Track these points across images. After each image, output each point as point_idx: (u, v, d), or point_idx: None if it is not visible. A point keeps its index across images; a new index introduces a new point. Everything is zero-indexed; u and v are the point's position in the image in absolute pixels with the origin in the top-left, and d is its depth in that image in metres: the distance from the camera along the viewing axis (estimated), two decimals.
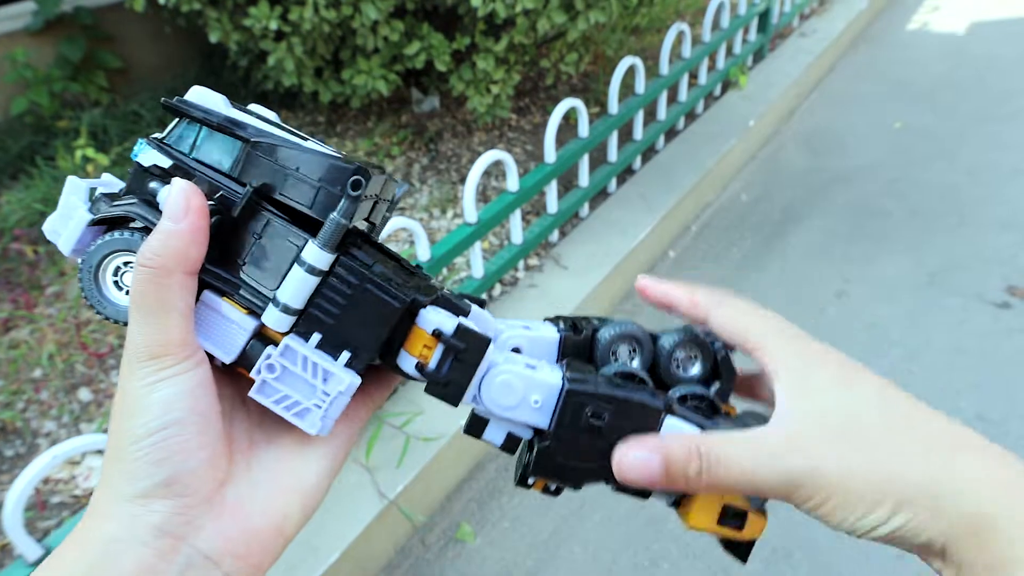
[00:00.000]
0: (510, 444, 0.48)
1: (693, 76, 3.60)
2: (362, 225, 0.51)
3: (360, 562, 1.83)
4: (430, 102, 3.51)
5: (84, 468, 2.01)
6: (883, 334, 2.56)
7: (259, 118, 0.46)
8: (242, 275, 0.44)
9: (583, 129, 2.61)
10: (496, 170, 3.13)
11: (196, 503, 0.40)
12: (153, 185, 0.44)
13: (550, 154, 2.45)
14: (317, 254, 0.42)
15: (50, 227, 0.46)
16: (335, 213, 0.42)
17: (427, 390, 0.45)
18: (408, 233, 2.02)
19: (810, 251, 2.99)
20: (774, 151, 3.72)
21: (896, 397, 0.43)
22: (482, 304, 0.51)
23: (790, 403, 0.43)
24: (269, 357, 0.44)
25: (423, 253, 2.00)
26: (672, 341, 0.51)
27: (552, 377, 0.46)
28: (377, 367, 0.51)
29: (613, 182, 3.03)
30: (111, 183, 0.47)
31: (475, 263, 2.25)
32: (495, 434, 0.48)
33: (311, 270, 0.42)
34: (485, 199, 2.98)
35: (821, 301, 2.72)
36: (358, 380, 0.44)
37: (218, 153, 0.45)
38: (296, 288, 0.42)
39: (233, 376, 0.47)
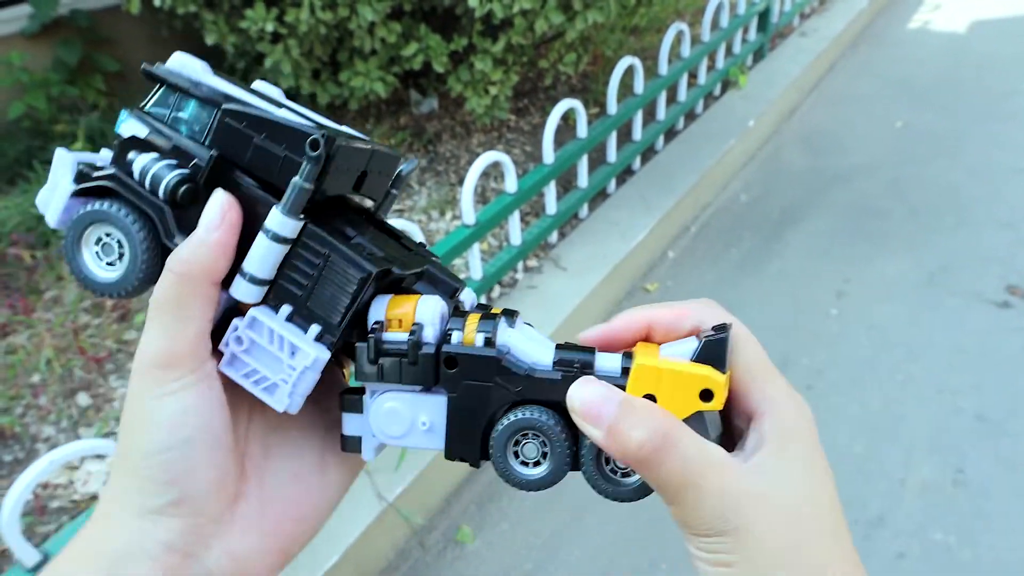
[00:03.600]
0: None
1: (692, 76, 3.59)
2: (366, 203, 0.50)
3: (359, 564, 1.82)
4: (428, 103, 3.50)
5: (83, 473, 2.01)
6: (883, 334, 2.55)
7: (257, 94, 0.45)
8: None
9: (582, 130, 2.60)
10: (495, 171, 3.13)
11: (206, 522, 0.40)
12: (130, 156, 0.43)
13: (549, 155, 2.45)
14: (281, 221, 0.41)
15: (41, 199, 0.45)
16: (297, 177, 0.40)
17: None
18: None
19: (810, 251, 2.98)
20: (774, 151, 3.71)
21: (840, 532, 0.40)
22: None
23: (763, 468, 0.39)
24: (236, 329, 0.42)
25: None
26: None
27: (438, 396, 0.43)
28: None
29: (612, 183, 3.02)
30: (105, 158, 0.45)
31: (474, 265, 2.25)
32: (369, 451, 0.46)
33: (275, 238, 0.41)
34: (484, 200, 2.97)
35: (821, 301, 2.71)
36: (327, 355, 0.42)
37: (193, 121, 0.44)
38: (261, 257, 0.41)
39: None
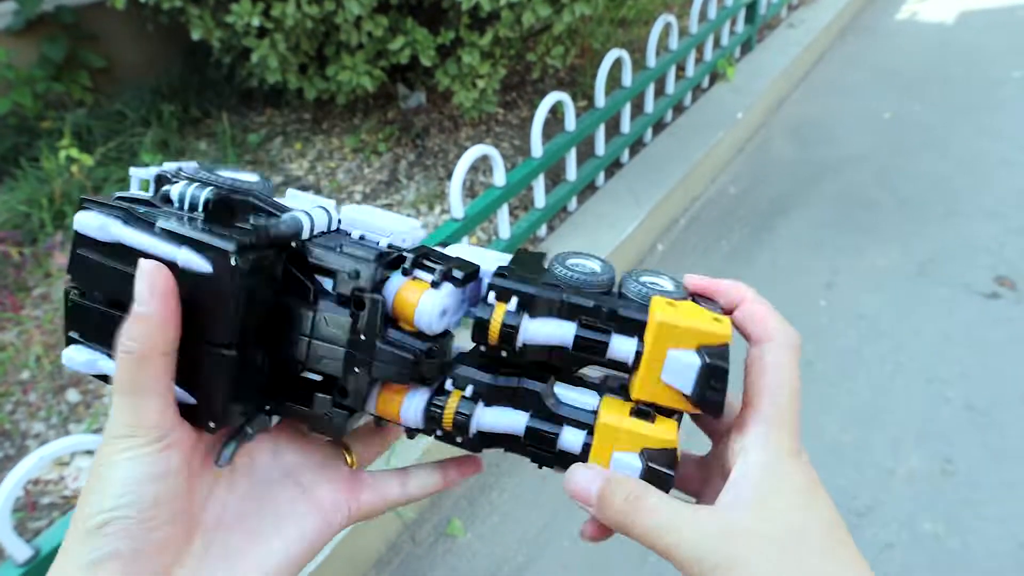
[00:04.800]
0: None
1: (680, 68, 3.59)
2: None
3: (350, 559, 1.82)
4: (416, 98, 3.49)
5: (73, 469, 2.00)
6: (873, 325, 2.56)
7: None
8: None
9: (570, 123, 2.60)
10: (483, 165, 3.13)
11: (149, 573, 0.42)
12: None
13: (537, 148, 2.45)
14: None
15: None
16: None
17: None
18: None
19: (799, 242, 2.99)
20: (762, 143, 3.72)
21: (838, 551, 0.43)
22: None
23: (744, 499, 0.43)
24: None
25: None
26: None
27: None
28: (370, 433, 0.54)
29: (601, 176, 3.02)
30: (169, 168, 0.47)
31: None
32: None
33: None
34: (472, 194, 2.97)
35: (811, 292, 2.72)
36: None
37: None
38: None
39: (213, 442, 0.47)
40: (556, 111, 3.14)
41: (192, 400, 0.44)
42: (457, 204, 2.13)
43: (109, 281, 0.44)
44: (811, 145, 3.68)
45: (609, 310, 0.45)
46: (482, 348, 0.46)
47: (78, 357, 0.46)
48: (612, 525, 0.45)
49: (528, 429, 0.47)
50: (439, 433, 0.48)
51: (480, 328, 0.45)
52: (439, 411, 0.47)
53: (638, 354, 0.44)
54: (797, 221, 3.12)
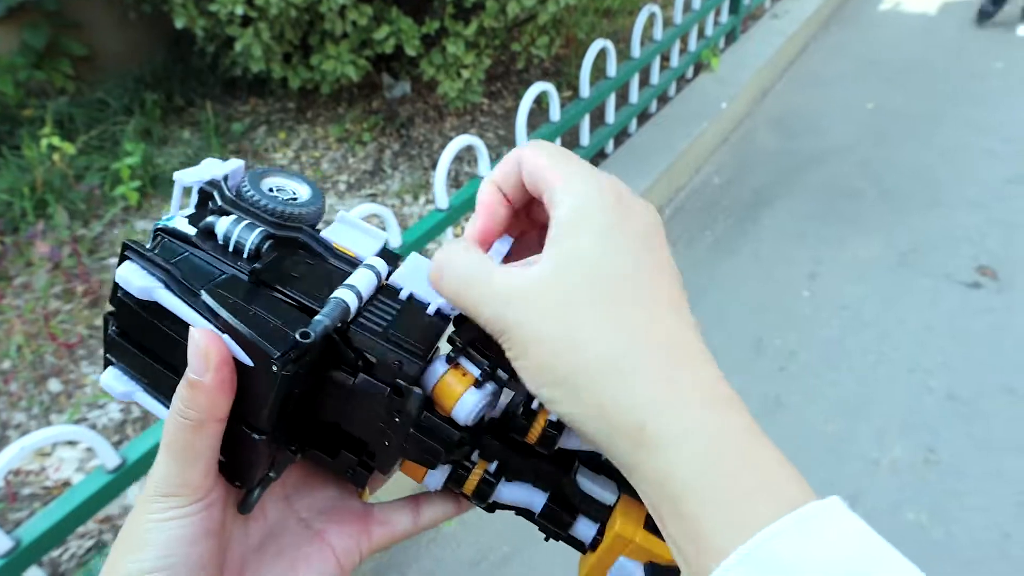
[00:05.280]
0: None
1: (665, 59, 3.59)
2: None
3: None
4: (401, 87, 3.48)
5: (55, 459, 1.99)
6: (856, 315, 2.57)
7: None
8: None
9: (554, 113, 2.59)
10: (468, 155, 3.12)
11: None
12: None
13: (522, 138, 2.44)
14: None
15: None
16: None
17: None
18: (379, 220, 2.02)
19: (783, 233, 3.00)
20: (746, 133, 3.72)
21: (651, 282, 0.39)
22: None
23: (546, 249, 0.39)
24: None
25: (394, 240, 1.99)
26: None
27: None
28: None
29: None
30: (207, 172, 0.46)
31: None
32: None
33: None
34: (457, 184, 2.97)
35: (794, 283, 2.73)
36: None
37: None
38: None
39: (238, 494, 0.46)
40: (541, 101, 3.14)
41: (221, 457, 0.43)
42: (442, 194, 2.12)
43: (148, 333, 0.43)
44: (795, 136, 3.69)
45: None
46: (514, 436, 0.45)
47: (117, 386, 0.45)
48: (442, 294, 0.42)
49: (545, 509, 0.48)
50: (457, 491, 0.49)
51: (519, 430, 0.45)
52: (464, 475, 0.48)
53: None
54: (781, 212, 3.13)
